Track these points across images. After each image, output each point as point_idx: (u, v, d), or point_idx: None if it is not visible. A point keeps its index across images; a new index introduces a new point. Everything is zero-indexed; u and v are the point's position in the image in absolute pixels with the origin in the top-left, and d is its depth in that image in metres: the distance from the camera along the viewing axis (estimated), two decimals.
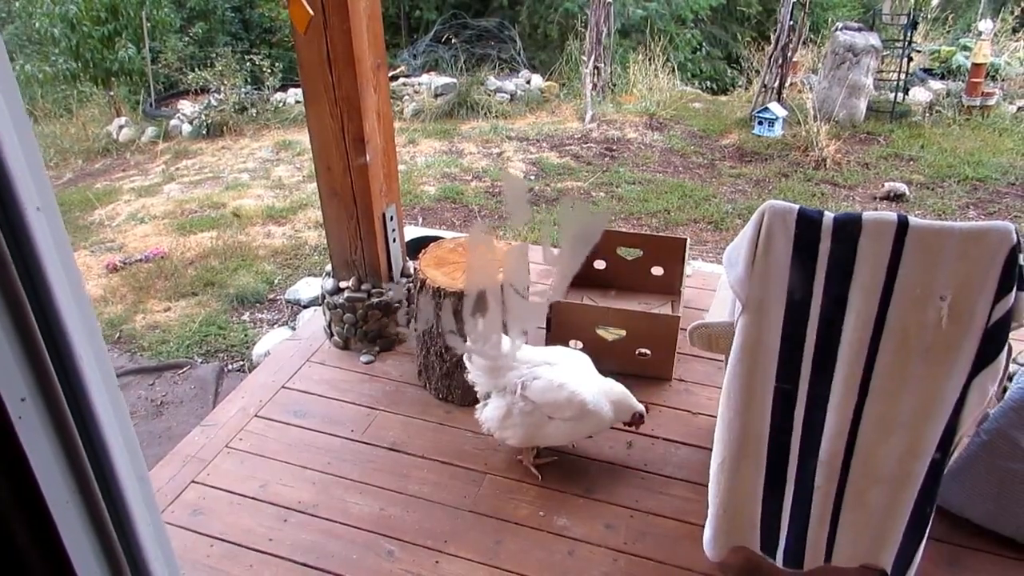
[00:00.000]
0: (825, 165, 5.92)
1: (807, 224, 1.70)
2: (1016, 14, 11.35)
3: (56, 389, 0.40)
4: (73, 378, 0.41)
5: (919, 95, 6.92)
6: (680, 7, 12.24)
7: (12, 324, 0.37)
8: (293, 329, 3.67)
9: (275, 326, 3.89)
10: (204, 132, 7.52)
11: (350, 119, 2.82)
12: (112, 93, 8.59)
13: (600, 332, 2.85)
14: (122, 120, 8.01)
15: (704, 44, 14.12)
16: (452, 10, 10.04)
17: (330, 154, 2.93)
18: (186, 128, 7.66)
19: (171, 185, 6.25)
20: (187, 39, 9.57)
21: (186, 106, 8.00)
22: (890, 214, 1.64)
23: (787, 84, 7.18)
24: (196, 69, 8.36)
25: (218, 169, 6.57)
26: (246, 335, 3.81)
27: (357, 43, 2.68)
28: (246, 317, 4.02)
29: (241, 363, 3.61)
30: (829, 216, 1.70)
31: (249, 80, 8.26)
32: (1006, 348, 1.74)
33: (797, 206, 1.73)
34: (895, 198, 5.33)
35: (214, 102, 7.64)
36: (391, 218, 3.10)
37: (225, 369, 3.58)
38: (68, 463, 0.42)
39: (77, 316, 0.41)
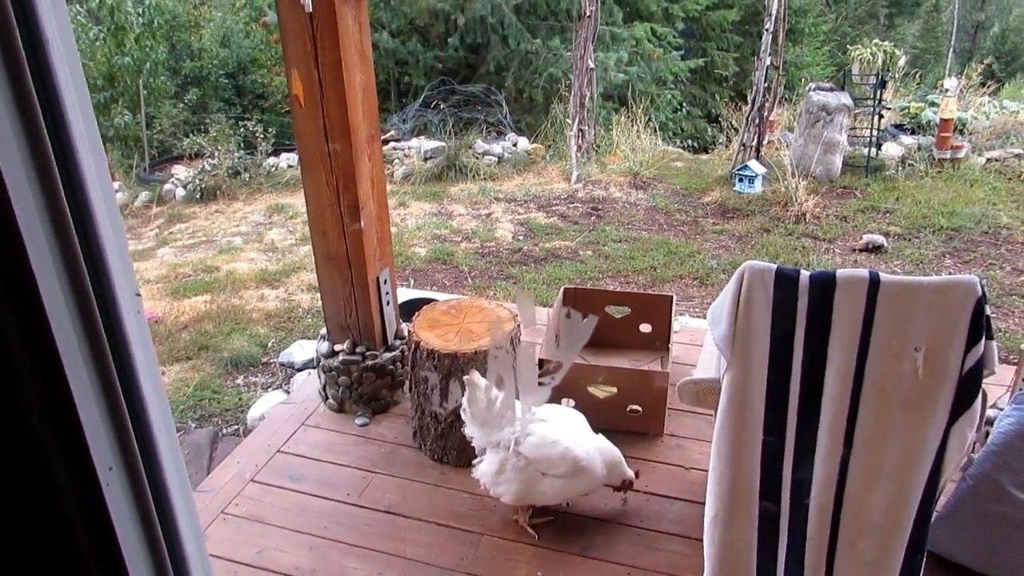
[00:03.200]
0: (805, 219, 6.08)
1: (785, 282, 1.79)
2: (979, 71, 11.80)
3: (137, 460, 0.46)
4: (150, 450, 0.47)
5: (892, 150, 7.15)
6: (660, 70, 12.63)
7: (107, 406, 0.43)
8: (287, 392, 3.71)
9: (269, 389, 3.92)
10: (198, 196, 7.64)
11: (345, 187, 2.92)
12: (107, 158, 8.72)
13: (591, 390, 2.91)
14: (116, 185, 8.13)
15: (684, 104, 14.54)
16: (440, 76, 10.32)
17: (325, 220, 3.02)
18: (180, 192, 7.78)
19: (164, 249, 6.33)
20: (182, 105, 9.78)
21: (180, 171, 8.14)
22: (862, 271, 1.73)
23: (765, 142, 7.40)
24: (190, 134, 8.53)
25: (212, 233, 6.66)
26: (240, 399, 3.84)
27: (353, 115, 2.79)
28: (240, 381, 4.05)
29: (236, 427, 3.63)
30: (805, 274, 1.79)
31: (242, 145, 8.43)
32: (981, 395, 1.81)
33: (775, 265, 1.82)
34: (874, 249, 5.47)
35: (208, 167, 7.78)
36: (385, 281, 3.17)
37: (220, 434, 3.60)
38: (143, 527, 0.48)
39: (154, 394, 0.47)
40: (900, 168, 6.97)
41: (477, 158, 7.98)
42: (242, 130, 8.42)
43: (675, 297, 3.32)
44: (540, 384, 2.24)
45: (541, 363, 2.97)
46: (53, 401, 0.40)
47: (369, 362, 3.07)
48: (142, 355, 0.47)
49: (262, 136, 8.25)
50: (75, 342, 0.43)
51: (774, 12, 6.70)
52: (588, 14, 7.69)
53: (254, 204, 7.37)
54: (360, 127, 2.87)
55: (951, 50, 33.36)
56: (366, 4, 2.86)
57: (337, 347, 3.14)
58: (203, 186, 7.58)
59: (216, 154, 7.82)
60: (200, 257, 5.98)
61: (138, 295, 0.46)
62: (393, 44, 10.60)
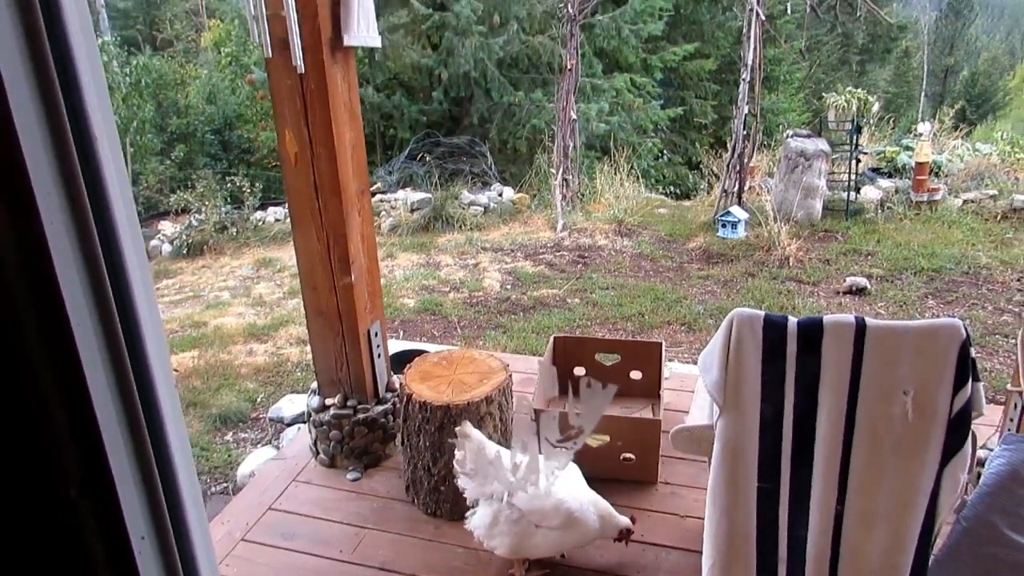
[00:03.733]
0: (789, 263, 6.16)
1: (773, 329, 1.82)
2: (951, 114, 12.13)
3: (168, 528, 0.47)
4: (180, 518, 0.48)
5: (870, 193, 7.30)
6: (640, 119, 12.87)
7: (141, 477, 0.44)
8: (277, 448, 3.67)
9: (259, 445, 3.88)
10: (184, 252, 7.65)
11: (336, 242, 2.95)
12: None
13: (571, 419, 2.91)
14: None
15: (665, 152, 14.80)
16: (425, 129, 10.48)
17: (316, 275, 3.03)
18: (166, 248, 7.78)
19: None
20: (168, 162, 9.85)
21: (167, 227, 8.16)
22: (848, 317, 1.77)
23: (746, 188, 7.53)
24: (177, 190, 8.58)
25: (199, 288, 6.66)
26: (230, 456, 3.80)
27: (343, 172, 2.84)
28: (229, 437, 4.01)
29: (225, 485, 3.58)
30: (793, 321, 1.82)
31: (229, 199, 8.48)
32: (970, 437, 1.84)
33: (763, 312, 1.86)
34: (857, 292, 5.54)
35: (194, 222, 7.81)
36: (376, 334, 3.18)
37: (208, 492, 3.55)
38: None
39: (183, 465, 0.48)
40: (879, 211, 7.10)
41: (463, 209, 8.06)
42: (229, 185, 8.48)
43: (664, 344, 3.35)
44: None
45: (536, 413, 2.97)
46: (91, 475, 0.41)
47: (360, 415, 3.06)
48: (173, 428, 0.48)
49: (249, 191, 8.31)
50: (113, 417, 0.44)
51: (750, 62, 6.89)
52: (569, 67, 7.87)
53: (241, 258, 7.38)
54: (350, 183, 2.91)
55: (923, 94, 34.28)
56: (354, 64, 2.93)
57: (328, 401, 3.13)
58: (190, 241, 7.60)
59: (203, 209, 7.86)
60: (187, 313, 5.97)
61: (175, 371, 0.47)
62: (378, 98, 10.76)
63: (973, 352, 1.76)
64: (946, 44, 39.19)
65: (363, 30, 2.75)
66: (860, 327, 1.75)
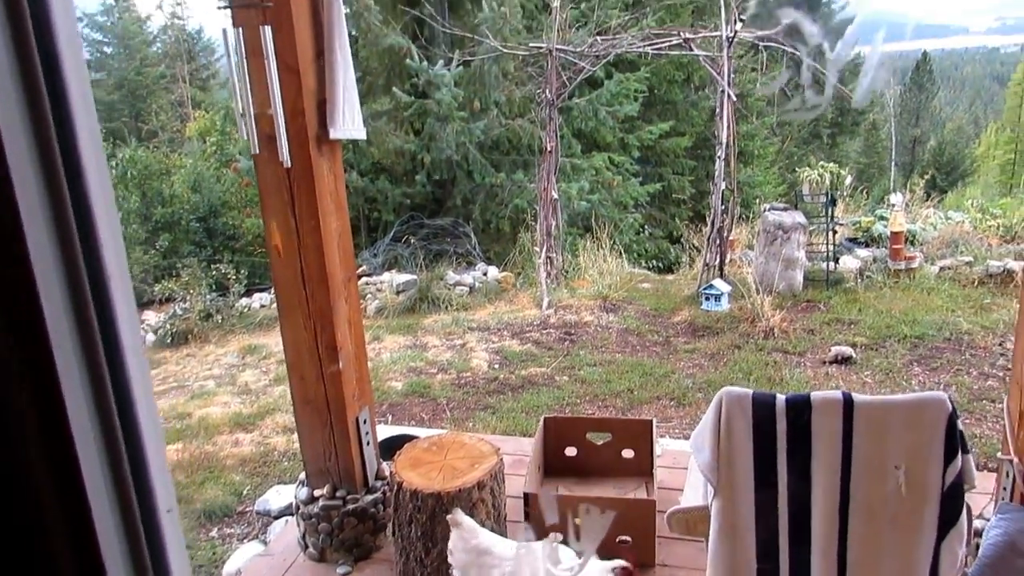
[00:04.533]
0: (774, 334, 6.20)
1: (762, 407, 1.83)
2: (922, 183, 12.48)
3: None
4: None
5: (849, 263, 7.43)
6: (620, 195, 13.15)
7: None
8: (265, 544, 3.58)
9: (245, 541, 3.78)
10: (169, 341, 7.60)
11: (323, 330, 2.96)
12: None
13: (579, 522, 2.86)
14: None
15: (646, 226, 15.06)
16: (409, 212, 10.62)
17: (303, 364, 3.03)
18: (150, 338, 7.73)
19: None
20: (153, 251, 9.89)
21: (151, 317, 8.12)
22: (836, 393, 1.79)
23: (727, 261, 7.64)
24: (161, 279, 8.59)
25: (183, 378, 6.59)
26: (215, 553, 3.70)
27: (329, 261, 2.87)
28: (214, 533, 3.91)
29: None
30: (781, 398, 1.84)
31: (214, 287, 8.48)
32: (965, 509, 1.84)
33: (751, 391, 1.87)
34: (843, 361, 5.57)
35: (179, 311, 7.78)
36: (364, 421, 3.16)
37: None
38: None
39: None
40: (859, 280, 7.21)
41: (449, 289, 8.11)
42: (214, 272, 8.50)
43: (655, 420, 3.34)
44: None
45: (526, 497, 2.93)
46: None
47: (350, 506, 3.01)
48: (176, 555, 0.48)
49: (234, 277, 8.33)
50: (112, 530, 0.45)
51: (724, 140, 7.10)
52: (549, 149, 8.07)
53: (227, 346, 7.34)
54: (336, 271, 2.94)
55: (893, 163, 35.27)
56: (340, 155, 3.00)
57: (316, 492, 3.07)
58: (174, 330, 7.56)
59: (187, 298, 7.86)
60: (171, 404, 5.89)
61: (169, 511, 0.48)
62: (363, 183, 10.94)
63: (960, 424, 1.78)
64: (912, 116, 40.63)
65: (348, 123, 2.83)
66: (848, 403, 1.77)
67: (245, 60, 2.41)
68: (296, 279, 2.89)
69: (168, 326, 7.64)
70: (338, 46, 2.72)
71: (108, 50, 23.38)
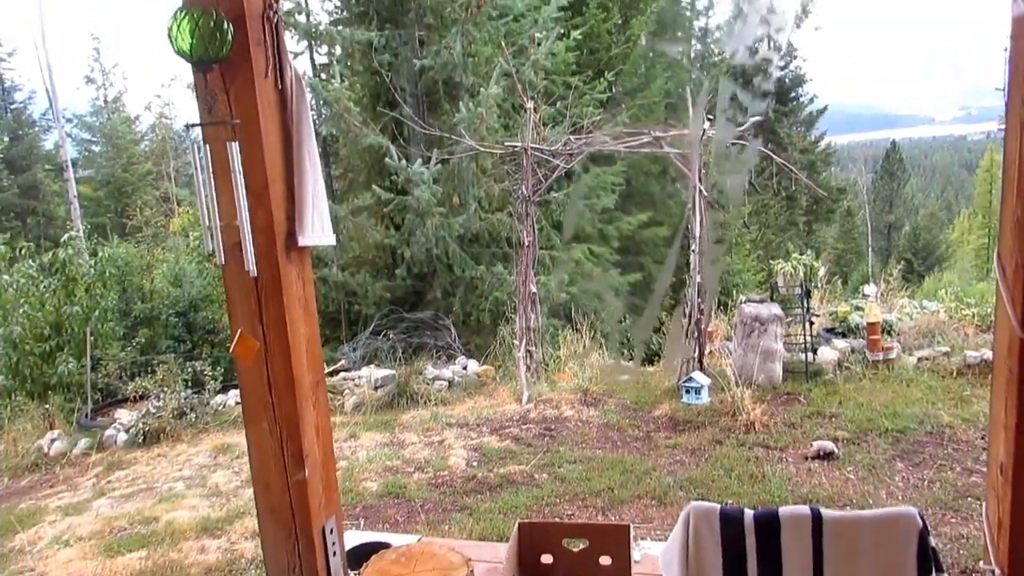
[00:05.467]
0: (755, 428, 6.15)
1: (730, 523, 1.79)
2: (899, 269, 12.70)
3: None
4: None
5: (827, 354, 7.45)
6: (600, 286, 13.27)
7: None
8: None
9: None
10: (140, 440, 7.43)
11: (289, 436, 2.89)
12: (48, 406, 8.52)
13: None
14: (54, 433, 7.87)
15: (627, 315, 15.13)
16: (389, 306, 10.63)
17: (268, 472, 2.94)
18: (122, 437, 7.55)
19: (101, 500, 6.03)
20: (130, 347, 9.76)
21: (124, 415, 7.96)
22: (804, 509, 1.75)
23: (707, 352, 7.65)
24: (137, 376, 8.45)
25: (152, 479, 6.40)
26: None
27: (297, 367, 2.83)
28: None
29: None
30: (749, 513, 1.79)
31: (189, 384, 8.35)
32: None
33: (719, 506, 1.83)
34: (825, 456, 5.51)
35: (152, 408, 7.64)
36: (331, 531, 3.05)
37: None
38: None
39: None
40: (838, 371, 7.22)
41: (428, 384, 8.04)
42: (190, 369, 8.38)
43: (635, 521, 3.25)
44: None
45: None
46: None
47: None
48: None
49: (210, 374, 8.22)
50: None
51: (698, 234, 7.22)
52: (526, 244, 8.16)
53: (199, 445, 7.17)
54: (304, 376, 2.90)
55: (870, 248, 35.99)
56: (310, 261, 3.00)
57: None
58: (147, 429, 7.40)
59: (162, 395, 7.72)
60: (138, 507, 5.70)
61: None
62: (342, 277, 10.98)
63: (933, 540, 1.74)
64: (885, 203, 41.79)
65: (318, 230, 2.84)
66: (816, 519, 1.73)
67: (212, 175, 2.45)
68: (262, 385, 2.84)
69: (141, 425, 7.48)
70: (307, 155, 2.77)
71: (96, 148, 23.78)
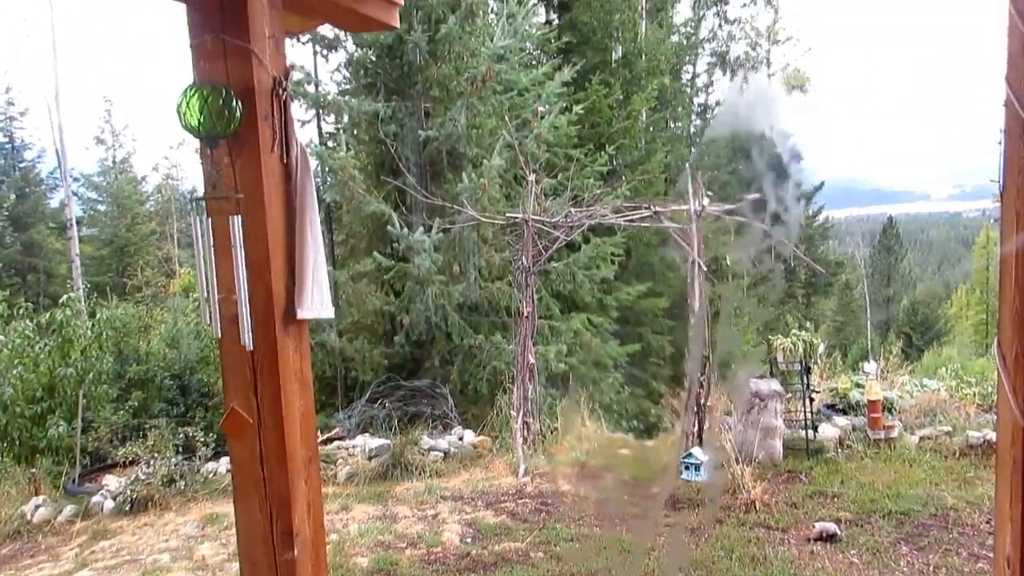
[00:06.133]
0: (755, 507, 6.02)
1: None
2: (899, 344, 12.67)
3: None
4: None
5: (828, 431, 7.36)
6: (600, 355, 13.20)
7: None
8: None
9: None
10: (127, 508, 7.25)
11: (279, 514, 2.82)
12: (34, 470, 8.36)
13: None
14: (39, 499, 7.69)
15: (626, 385, 15.03)
16: (387, 373, 10.55)
17: (256, 550, 2.86)
18: (108, 504, 7.38)
19: (83, 573, 5.85)
20: (122, 411, 9.64)
21: (112, 481, 7.80)
22: None
23: (706, 427, 7.56)
24: (128, 439, 8.32)
25: (137, 550, 6.23)
26: None
27: (290, 442, 2.78)
28: None
29: None
30: None
31: (181, 449, 8.21)
32: None
33: None
34: (828, 538, 5.38)
35: (142, 475, 7.48)
36: None
37: None
38: None
39: None
40: (839, 449, 7.12)
41: (423, 454, 7.91)
42: (182, 435, 8.25)
43: None
44: None
45: None
46: None
47: None
48: None
49: (202, 440, 8.10)
50: None
51: (696, 308, 7.23)
52: (526, 314, 8.16)
53: (187, 515, 7.00)
54: (297, 452, 2.85)
55: (869, 322, 36.03)
56: (307, 333, 2.99)
57: None
58: (134, 496, 7.24)
59: (152, 462, 7.58)
60: None
61: None
62: (340, 343, 10.94)
63: None
64: (883, 277, 42.06)
65: (316, 303, 2.83)
66: None
67: (213, 248, 2.46)
68: (254, 461, 2.79)
69: (129, 492, 7.32)
70: (309, 228, 2.78)
71: (102, 208, 24.03)
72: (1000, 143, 1.94)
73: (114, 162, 25.25)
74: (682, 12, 27.07)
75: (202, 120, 2.38)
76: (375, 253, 10.61)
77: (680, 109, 23.26)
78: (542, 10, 18.10)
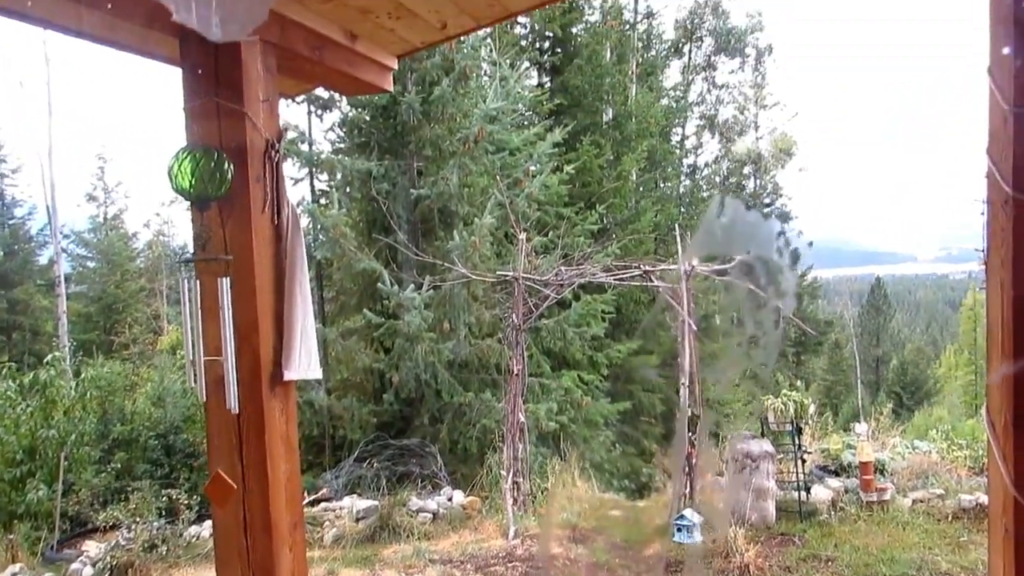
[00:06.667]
0: (749, 571, 5.91)
1: None
2: (889, 404, 12.64)
3: None
4: None
5: (821, 493, 7.28)
6: (591, 413, 13.11)
7: None
8: None
9: None
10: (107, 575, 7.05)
11: None
12: (11, 536, 8.13)
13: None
14: (16, 567, 7.46)
15: (618, 443, 14.89)
16: (375, 431, 10.43)
17: None
18: (88, 572, 7.16)
19: None
20: (104, 473, 9.44)
21: (92, 547, 7.59)
22: None
23: (698, 488, 7.46)
24: (110, 503, 8.13)
25: None
26: None
27: (275, 507, 2.73)
28: None
29: None
30: None
31: (164, 512, 8.02)
32: None
33: None
34: None
35: (123, 541, 7.29)
36: None
37: None
38: None
39: None
40: (832, 512, 7.04)
41: (411, 516, 7.76)
42: (165, 497, 8.08)
43: None
44: None
45: None
46: None
47: None
48: None
49: (186, 503, 7.92)
50: None
51: (687, 368, 7.21)
52: (516, 372, 8.12)
53: None
54: (282, 519, 2.79)
55: (859, 381, 36.04)
56: (294, 395, 2.96)
57: None
58: (114, 563, 7.03)
59: (133, 526, 7.40)
60: None
61: None
62: (328, 401, 10.83)
63: None
64: (872, 336, 42.18)
65: (304, 365, 2.82)
66: None
67: (201, 310, 2.45)
68: (237, 527, 2.73)
69: (109, 559, 7.11)
70: (299, 289, 2.78)
71: (91, 264, 23.95)
72: (983, 213, 1.98)
73: (105, 219, 25.28)
74: (672, 76, 27.84)
75: (193, 183, 2.40)
76: (365, 310, 10.60)
77: (670, 170, 23.63)
78: (534, 73, 18.53)
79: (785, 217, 29.41)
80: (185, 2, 1.93)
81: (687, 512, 6.86)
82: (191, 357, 2.45)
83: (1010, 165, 1.80)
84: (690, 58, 28.93)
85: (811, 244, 30.88)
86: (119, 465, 9.73)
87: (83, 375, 9.99)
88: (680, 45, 28.50)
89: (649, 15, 25.43)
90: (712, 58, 29.54)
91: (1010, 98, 1.77)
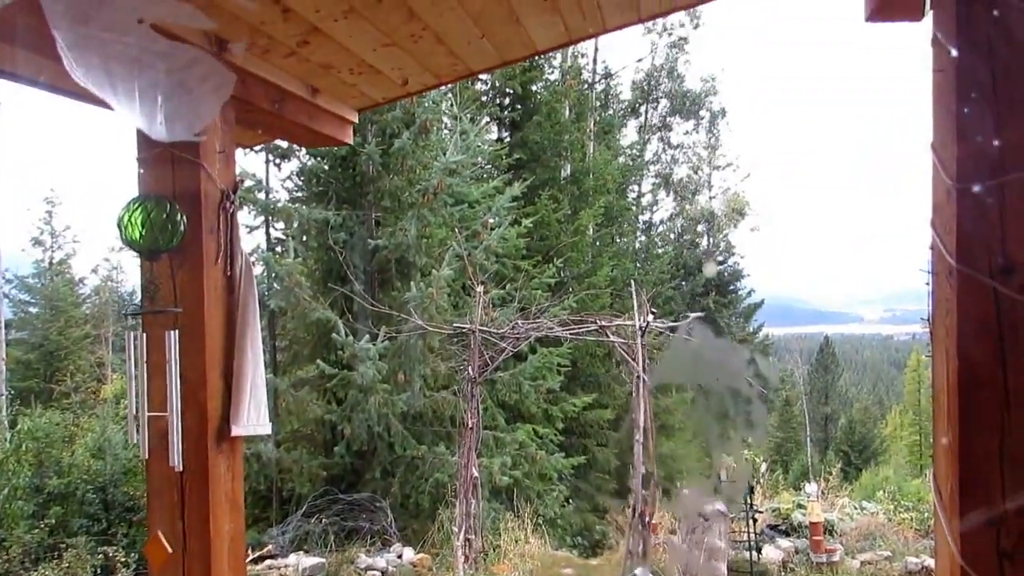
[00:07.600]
0: None
1: None
2: (838, 463, 12.81)
3: None
4: None
5: (772, 554, 7.29)
6: (545, 467, 12.98)
7: None
8: None
9: None
10: None
11: None
12: None
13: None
14: None
15: (571, 499, 14.75)
16: (325, 485, 10.17)
17: None
18: None
19: None
20: (38, 528, 8.98)
21: None
22: None
23: (651, 545, 7.41)
24: (42, 561, 7.72)
25: None
26: None
27: (217, 569, 2.63)
28: None
29: None
30: None
31: (100, 570, 7.65)
32: None
33: None
34: None
35: None
36: None
37: None
38: None
39: None
40: (783, 573, 7.05)
41: (359, 575, 7.54)
42: (100, 555, 7.71)
43: None
44: None
45: None
46: None
47: None
48: None
49: (123, 561, 7.57)
50: None
51: (642, 424, 7.22)
52: (470, 426, 8.04)
53: None
54: None
55: (808, 439, 36.44)
56: (241, 451, 2.88)
57: None
58: None
59: None
60: None
61: None
62: (277, 453, 10.56)
63: None
64: (821, 395, 42.81)
65: (253, 419, 2.75)
66: None
67: (146, 364, 2.38)
68: None
69: None
70: (249, 343, 2.72)
71: (33, 310, 23.17)
72: (928, 284, 2.04)
73: (51, 264, 24.58)
74: (628, 136, 28.55)
75: (144, 234, 2.34)
76: (319, 360, 10.43)
77: (626, 226, 24.02)
78: (494, 127, 18.82)
79: (738, 275, 29.99)
80: (128, 98, 1.90)
81: (639, 571, 6.80)
82: (134, 412, 2.37)
83: (954, 239, 1.86)
84: (646, 118, 29.71)
85: (762, 302, 31.38)
86: (54, 520, 9.26)
87: (19, 426, 9.56)
88: (637, 106, 29.28)
89: (607, 75, 26.16)
90: (667, 119, 30.38)
91: (953, 175, 1.84)
